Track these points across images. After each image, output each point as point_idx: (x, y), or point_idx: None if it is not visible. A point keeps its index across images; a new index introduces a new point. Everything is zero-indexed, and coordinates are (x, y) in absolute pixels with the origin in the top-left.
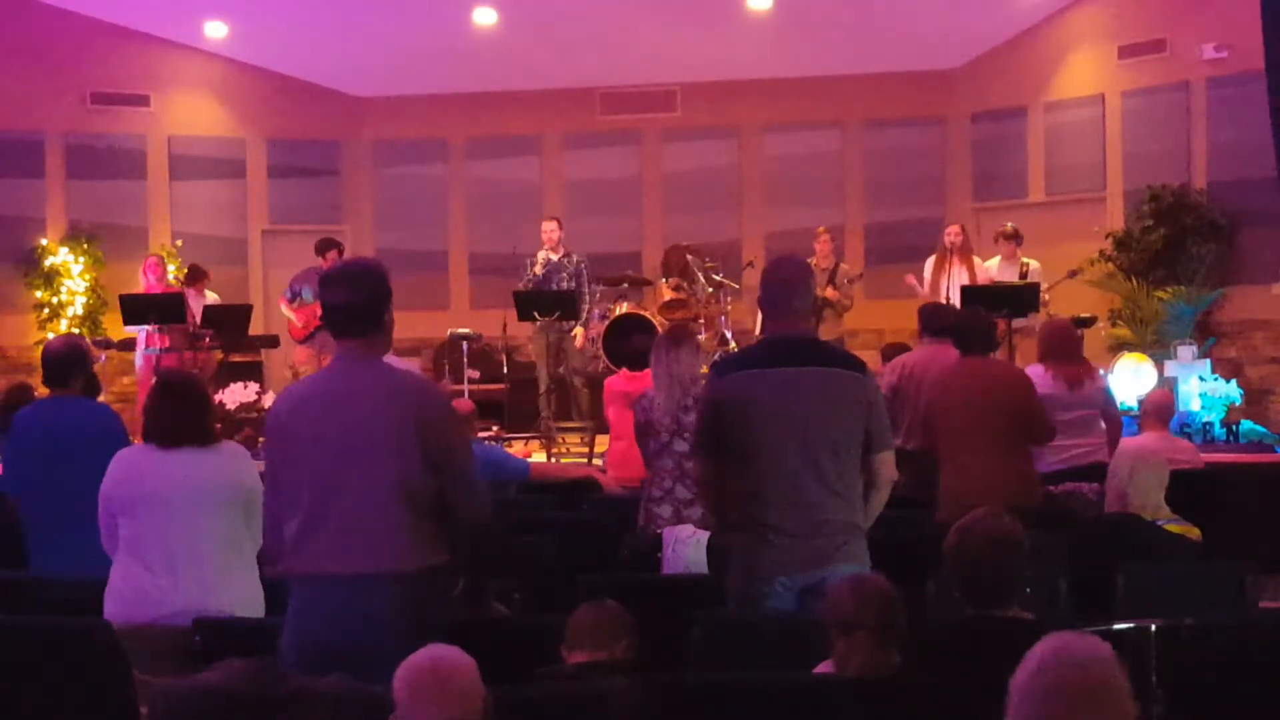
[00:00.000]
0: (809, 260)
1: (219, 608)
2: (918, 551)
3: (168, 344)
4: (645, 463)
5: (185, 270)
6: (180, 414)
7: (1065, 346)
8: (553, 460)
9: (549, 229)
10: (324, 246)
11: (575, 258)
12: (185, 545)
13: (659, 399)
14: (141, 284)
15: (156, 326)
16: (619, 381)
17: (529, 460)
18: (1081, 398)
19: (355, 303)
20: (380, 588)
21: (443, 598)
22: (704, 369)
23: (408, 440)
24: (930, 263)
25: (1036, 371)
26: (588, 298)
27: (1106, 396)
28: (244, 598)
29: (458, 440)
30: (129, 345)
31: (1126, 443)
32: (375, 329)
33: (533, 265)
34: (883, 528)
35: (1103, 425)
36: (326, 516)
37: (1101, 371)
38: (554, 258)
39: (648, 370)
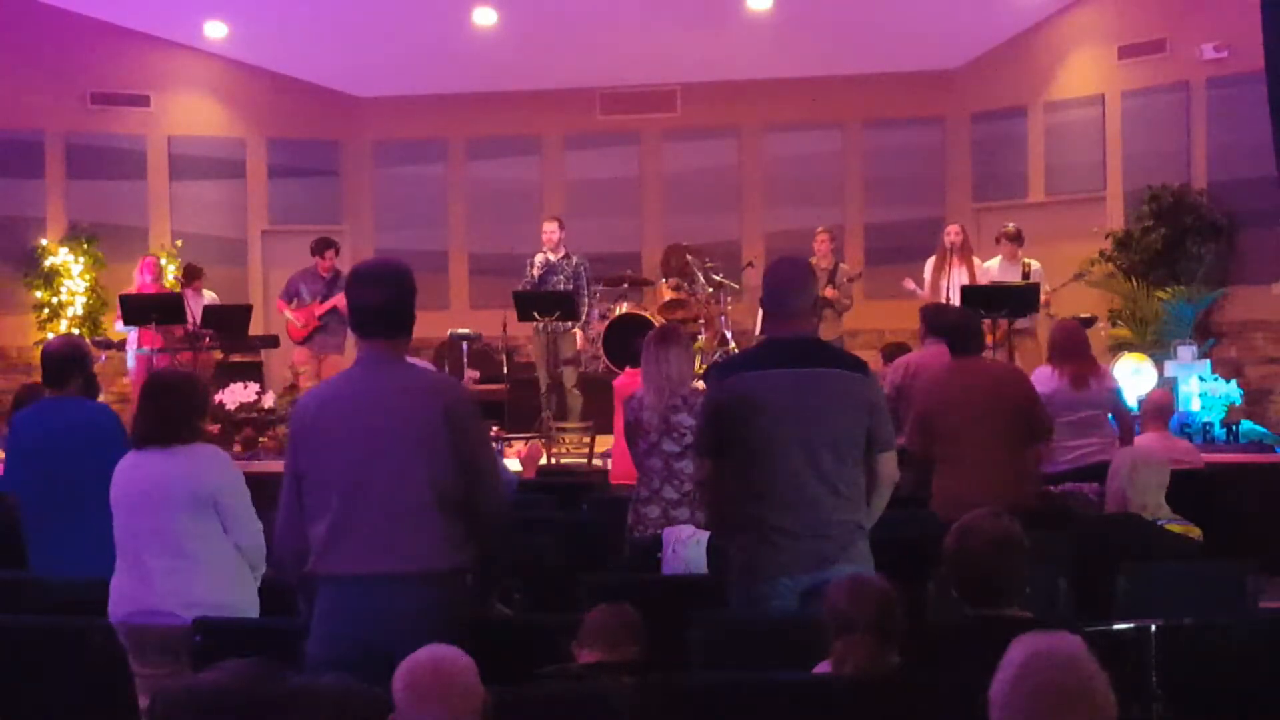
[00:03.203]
0: (809, 260)
1: (186, 606)
2: (918, 551)
3: (161, 344)
4: (635, 463)
5: (181, 270)
6: (146, 414)
7: (1071, 347)
8: (553, 461)
9: (549, 230)
10: (320, 246)
11: (575, 259)
12: (150, 544)
13: (648, 399)
14: (135, 282)
15: (155, 326)
16: (620, 380)
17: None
18: (1088, 398)
19: (388, 303)
20: (413, 588)
21: (469, 597)
22: (699, 368)
23: (438, 440)
24: (930, 263)
25: (1044, 371)
26: (586, 299)
27: (1117, 397)
28: (224, 600)
29: (484, 438)
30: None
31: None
32: (403, 330)
33: (531, 267)
34: (883, 528)
35: (1111, 426)
36: (357, 517)
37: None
38: (553, 258)
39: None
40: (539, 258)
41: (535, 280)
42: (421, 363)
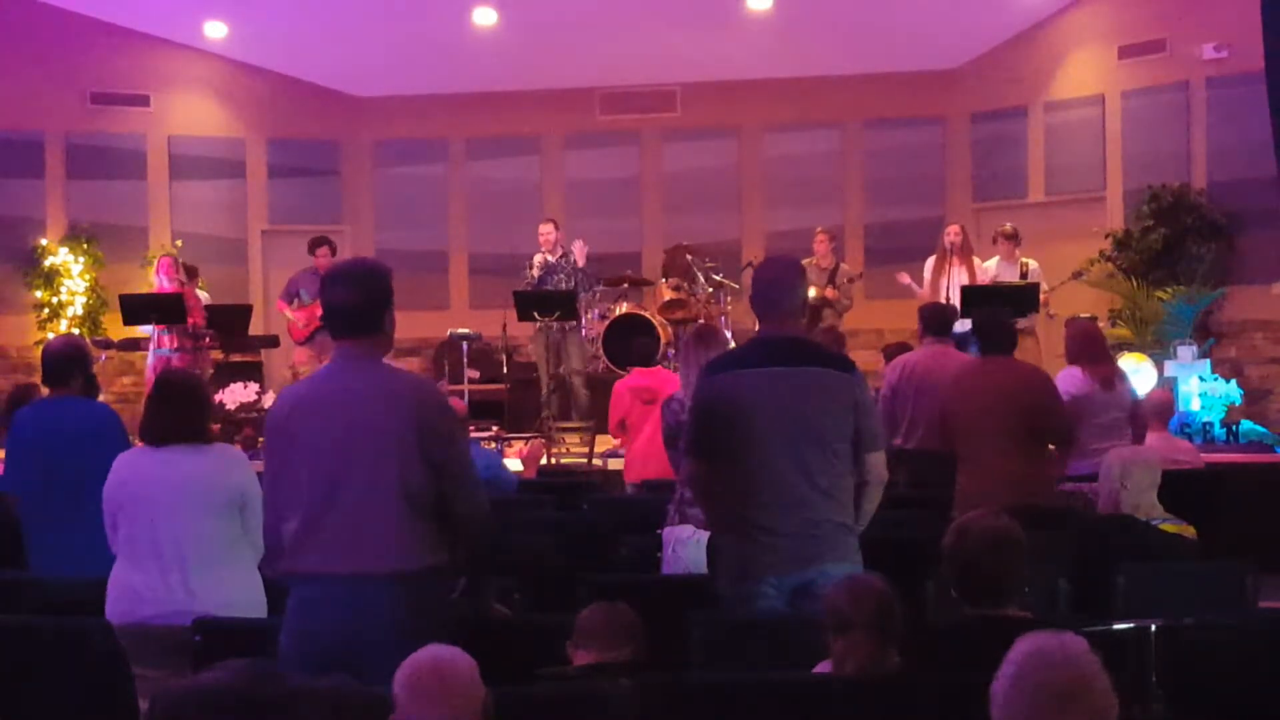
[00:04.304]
0: (809, 260)
1: (213, 607)
2: (918, 551)
3: (176, 344)
4: (673, 465)
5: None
6: (169, 413)
7: (1096, 347)
8: (553, 461)
9: (545, 231)
10: (315, 244)
11: (572, 258)
12: (175, 544)
13: (689, 401)
14: (155, 284)
15: (165, 327)
16: (631, 379)
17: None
18: (1115, 399)
19: (355, 303)
20: (382, 587)
21: (444, 598)
22: None
23: (408, 441)
24: (930, 263)
25: (1074, 374)
26: (583, 298)
27: (1135, 398)
28: (242, 598)
29: (457, 440)
30: (129, 345)
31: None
32: (375, 330)
33: (530, 268)
34: (883, 528)
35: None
36: (327, 517)
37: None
38: (551, 259)
39: (657, 367)
40: (537, 259)
41: (535, 281)
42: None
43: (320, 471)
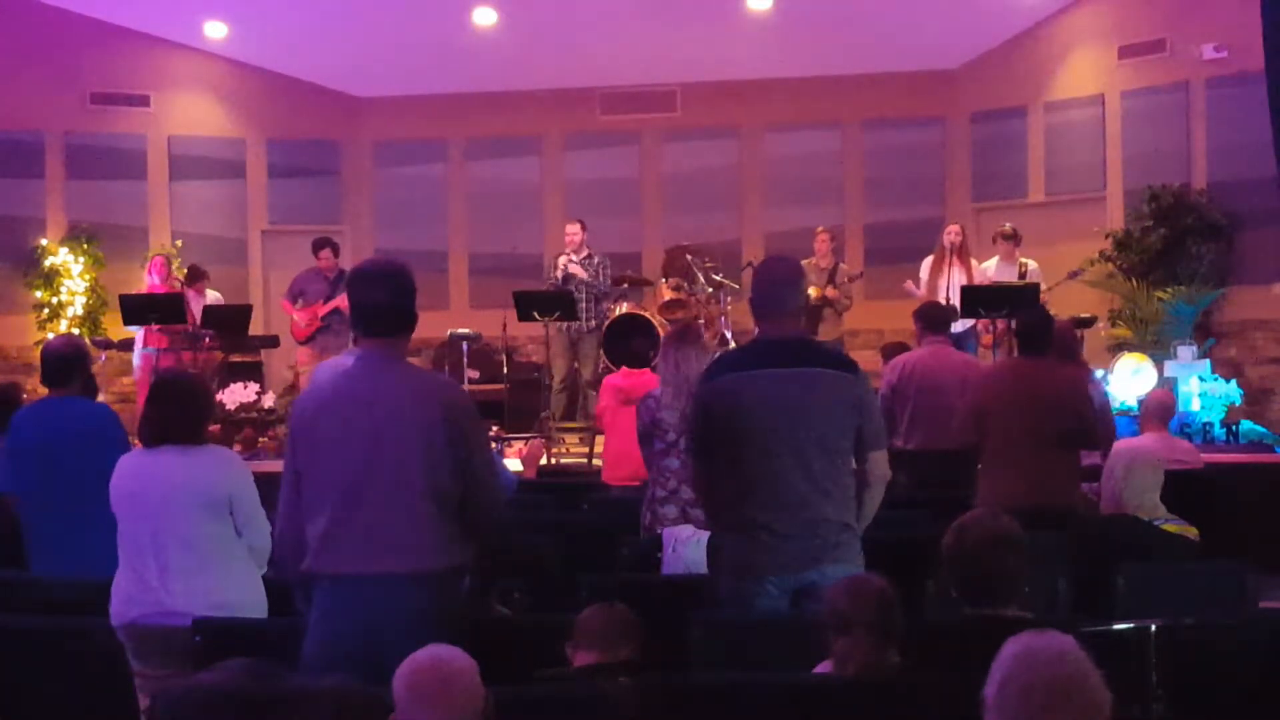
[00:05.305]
0: (809, 260)
1: (209, 608)
2: (917, 551)
3: (166, 344)
4: (647, 463)
5: (185, 271)
6: (162, 414)
7: (1070, 348)
8: (553, 461)
9: (571, 231)
10: (318, 245)
11: (597, 259)
12: (170, 545)
13: (666, 398)
14: (145, 283)
15: (158, 327)
16: (618, 377)
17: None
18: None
19: (391, 304)
20: (409, 587)
21: (463, 598)
22: None
23: (436, 440)
24: (928, 263)
25: None
26: (610, 294)
27: (1105, 399)
28: (240, 598)
29: (481, 441)
30: (129, 345)
31: (1122, 443)
32: (404, 329)
33: (554, 269)
34: (883, 527)
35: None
36: (354, 517)
37: (1099, 373)
38: (576, 259)
39: (645, 370)
40: (561, 259)
41: (559, 282)
42: None
43: (348, 472)
